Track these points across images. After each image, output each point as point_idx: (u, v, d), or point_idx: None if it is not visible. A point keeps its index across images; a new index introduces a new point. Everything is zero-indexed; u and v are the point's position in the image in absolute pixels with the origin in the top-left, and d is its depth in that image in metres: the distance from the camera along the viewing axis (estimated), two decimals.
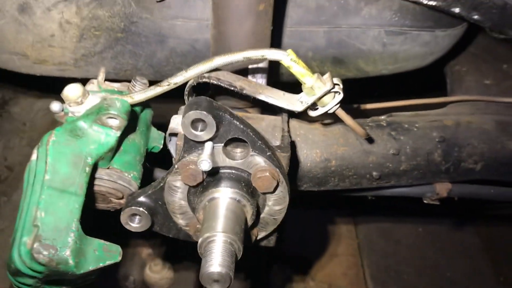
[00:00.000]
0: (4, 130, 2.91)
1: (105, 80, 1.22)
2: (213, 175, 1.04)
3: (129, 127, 1.12)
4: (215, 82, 1.10)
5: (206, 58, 1.09)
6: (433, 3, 1.46)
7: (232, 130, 0.98)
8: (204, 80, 1.10)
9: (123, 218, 1.07)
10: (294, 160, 1.35)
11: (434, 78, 2.06)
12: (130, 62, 1.51)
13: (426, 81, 2.10)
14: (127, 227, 1.09)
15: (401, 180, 1.51)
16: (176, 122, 1.12)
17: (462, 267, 3.04)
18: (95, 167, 1.06)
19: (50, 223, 0.90)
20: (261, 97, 1.10)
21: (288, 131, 1.20)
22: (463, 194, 1.63)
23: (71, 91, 1.08)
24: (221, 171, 1.04)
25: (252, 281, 2.26)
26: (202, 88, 1.21)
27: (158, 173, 1.41)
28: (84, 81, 1.18)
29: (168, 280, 2.26)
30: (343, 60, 1.61)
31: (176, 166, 1.01)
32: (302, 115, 1.21)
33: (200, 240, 0.95)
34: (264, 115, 1.28)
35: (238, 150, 1.05)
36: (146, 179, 1.21)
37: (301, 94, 1.08)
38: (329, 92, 1.05)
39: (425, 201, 1.63)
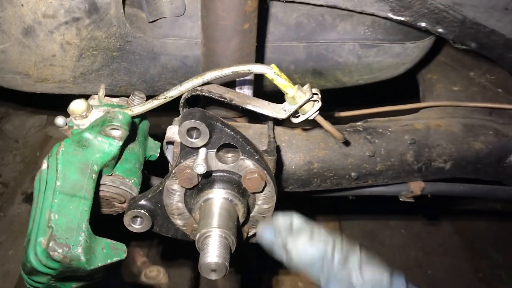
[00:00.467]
0: None
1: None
2: (207, 178, 1.10)
3: (130, 137, 1.16)
4: (207, 95, 1.14)
5: (195, 73, 1.09)
6: (401, 18, 1.49)
7: (224, 137, 1.04)
8: (197, 93, 1.14)
9: (126, 220, 1.13)
10: (280, 163, 1.40)
11: (408, 86, 2.14)
12: (125, 78, 1.53)
13: (400, 89, 2.20)
14: (130, 228, 1.15)
15: (378, 180, 1.56)
16: (172, 131, 1.18)
17: (443, 265, 3.11)
18: (100, 174, 1.11)
19: (63, 224, 0.95)
20: (249, 106, 1.15)
21: (274, 137, 1.25)
22: (436, 191, 1.67)
23: (77, 106, 1.14)
24: (214, 174, 1.10)
25: (242, 282, 2.31)
26: (194, 100, 1.25)
27: (154, 180, 1.46)
28: (81, 97, 1.20)
29: (163, 285, 2.29)
30: (322, 72, 1.65)
31: (173, 171, 1.07)
32: (285, 122, 1.25)
33: (197, 236, 1.01)
34: (252, 123, 1.34)
35: (229, 154, 1.11)
36: (145, 186, 1.26)
37: (284, 103, 1.12)
38: (308, 100, 1.10)
39: (401, 199, 1.68)
